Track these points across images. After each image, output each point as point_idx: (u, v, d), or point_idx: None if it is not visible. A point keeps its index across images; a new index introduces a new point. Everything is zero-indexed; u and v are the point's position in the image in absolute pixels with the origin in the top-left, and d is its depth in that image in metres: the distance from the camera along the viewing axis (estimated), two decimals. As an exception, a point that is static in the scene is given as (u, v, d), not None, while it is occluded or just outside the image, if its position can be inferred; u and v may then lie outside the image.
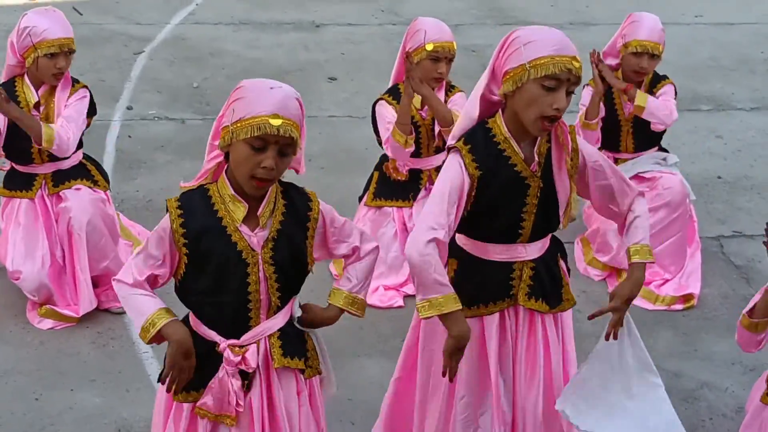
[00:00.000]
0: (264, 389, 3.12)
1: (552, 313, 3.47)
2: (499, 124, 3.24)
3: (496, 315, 3.45)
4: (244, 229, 2.98)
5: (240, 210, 2.96)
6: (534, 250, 3.36)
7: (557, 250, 3.47)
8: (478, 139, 3.24)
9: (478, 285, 3.33)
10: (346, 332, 4.21)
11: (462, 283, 3.30)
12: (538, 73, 3.05)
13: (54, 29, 4.55)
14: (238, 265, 2.98)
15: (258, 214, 2.97)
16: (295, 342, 3.16)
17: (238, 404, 3.03)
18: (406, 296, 5.12)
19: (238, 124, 2.85)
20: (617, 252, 5.24)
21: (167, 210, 3.03)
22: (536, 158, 3.22)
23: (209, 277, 2.97)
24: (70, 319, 4.74)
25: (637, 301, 4.64)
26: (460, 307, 3.14)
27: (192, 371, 3.04)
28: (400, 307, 5.14)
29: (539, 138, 3.23)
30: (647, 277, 4.66)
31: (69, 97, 4.79)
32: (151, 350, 4.72)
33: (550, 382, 3.57)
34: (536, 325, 3.46)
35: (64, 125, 4.68)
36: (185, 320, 3.10)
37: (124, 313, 4.81)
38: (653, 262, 4.04)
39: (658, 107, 5.17)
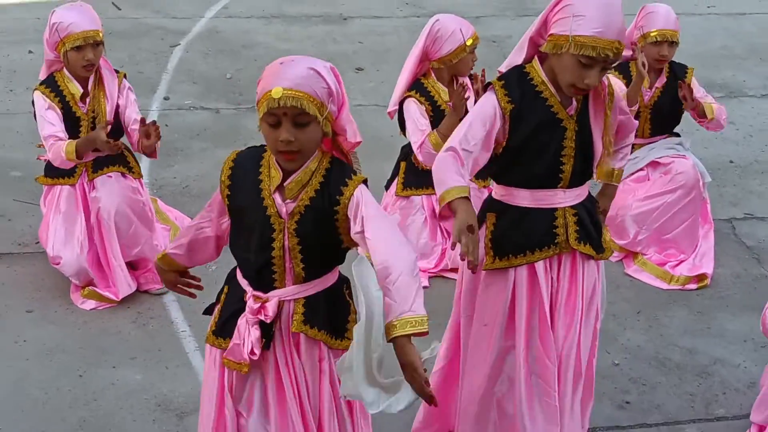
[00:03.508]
0: (287, 351, 3.14)
1: (597, 259, 3.55)
2: (537, 69, 3.32)
3: (542, 263, 3.52)
4: (278, 196, 2.97)
5: (277, 177, 2.98)
6: (572, 196, 3.41)
7: (595, 201, 3.58)
8: (513, 77, 3.33)
9: (523, 234, 3.41)
10: None
11: (505, 234, 3.41)
12: (577, 49, 3.12)
13: (79, 22, 4.58)
14: (265, 228, 2.98)
15: (284, 185, 2.96)
16: (322, 313, 3.11)
17: (252, 352, 3.04)
18: (431, 277, 5.17)
19: (258, 104, 2.89)
20: (633, 238, 5.36)
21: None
22: (574, 103, 3.32)
23: (242, 233, 3.03)
24: (111, 300, 4.73)
25: (653, 281, 5.19)
26: (467, 195, 3.21)
27: None
28: (425, 287, 4.89)
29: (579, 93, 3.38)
30: (662, 257, 5.27)
31: (119, 86, 4.92)
32: (188, 329, 4.73)
33: (581, 328, 3.67)
34: (578, 272, 3.54)
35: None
36: (234, 270, 3.15)
37: (163, 294, 4.92)
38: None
39: (721, 113, 5.33)
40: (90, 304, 4.76)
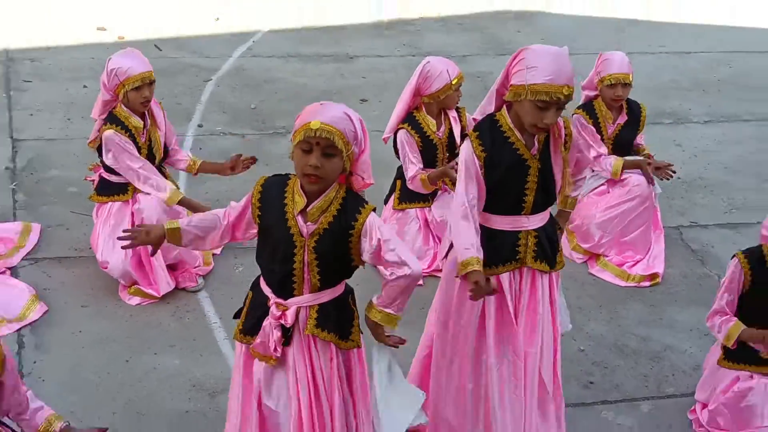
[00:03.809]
0: (304, 349, 3.13)
1: (550, 273, 3.52)
2: (505, 117, 3.27)
3: (506, 275, 3.48)
4: (300, 219, 2.98)
5: (300, 202, 2.98)
6: (535, 220, 3.39)
7: (555, 221, 3.55)
8: (485, 127, 3.31)
9: (492, 250, 3.35)
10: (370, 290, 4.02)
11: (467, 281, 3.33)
12: (533, 96, 3.11)
13: (135, 66, 4.56)
14: (288, 244, 2.99)
15: (307, 210, 2.96)
16: (332, 318, 3.10)
17: (276, 349, 3.07)
18: (425, 276, 5.01)
19: (294, 134, 2.91)
20: (597, 242, 5.33)
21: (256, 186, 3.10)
22: (536, 144, 3.28)
23: (268, 247, 3.02)
24: (153, 297, 4.78)
25: (613, 279, 5.22)
26: (478, 268, 3.22)
27: None
28: (419, 285, 5.20)
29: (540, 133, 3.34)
30: (621, 259, 5.29)
31: (163, 116, 4.90)
32: (219, 321, 4.75)
33: (542, 339, 3.64)
34: (537, 283, 3.51)
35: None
36: (258, 279, 3.18)
37: (198, 291, 4.99)
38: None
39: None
40: (135, 300, 4.76)
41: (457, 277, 3.34)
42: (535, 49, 3.15)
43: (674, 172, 5.11)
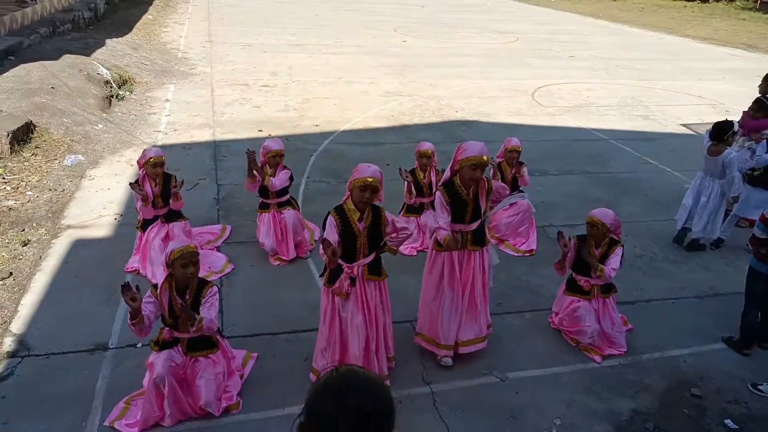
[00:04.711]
0: (363, 287, 3.23)
1: (481, 249, 3.59)
2: (456, 179, 3.41)
3: (456, 252, 3.53)
4: (357, 222, 3.05)
5: (355, 214, 3.08)
6: (473, 225, 3.52)
7: (483, 225, 3.67)
8: (449, 185, 3.42)
9: (453, 241, 3.41)
10: (392, 260, 4.10)
11: (444, 241, 3.46)
12: (467, 163, 3.28)
13: (274, 146, 5.02)
14: (353, 234, 3.08)
15: (358, 218, 3.07)
16: (375, 268, 3.24)
17: (349, 288, 3.10)
18: (419, 251, 5.41)
19: (354, 181, 3.06)
20: (503, 232, 5.59)
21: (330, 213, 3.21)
22: (470, 193, 3.42)
23: (344, 239, 3.09)
24: (285, 260, 4.92)
25: (511, 253, 5.38)
26: (451, 236, 3.32)
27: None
28: (412, 255, 5.43)
29: (473, 185, 3.45)
30: (515, 242, 5.39)
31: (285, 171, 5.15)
32: (317, 273, 4.88)
33: (476, 284, 3.70)
34: (472, 257, 3.59)
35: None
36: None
37: (307, 258, 5.13)
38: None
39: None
40: (276, 262, 4.96)
41: (434, 250, 3.49)
42: (467, 142, 3.41)
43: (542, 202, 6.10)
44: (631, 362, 4.06)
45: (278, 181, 4.87)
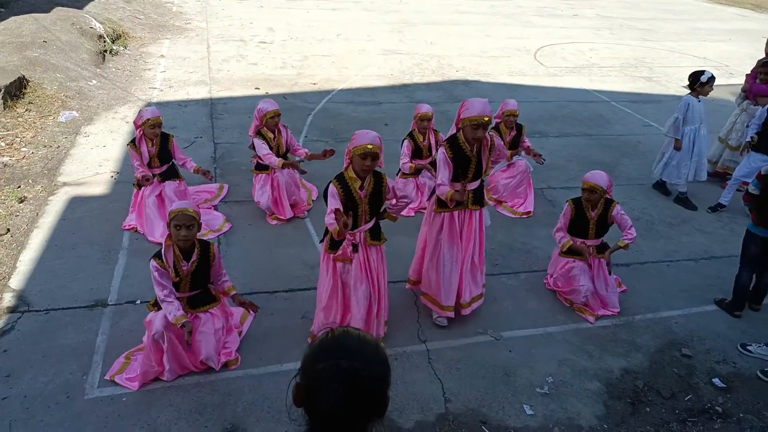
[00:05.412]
0: (366, 253, 3.30)
1: (480, 209, 3.68)
2: (460, 135, 3.46)
3: (456, 213, 3.59)
4: (358, 190, 3.11)
5: (357, 182, 3.15)
6: (474, 184, 3.59)
7: (483, 184, 3.75)
8: (452, 140, 3.45)
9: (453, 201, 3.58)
10: (390, 223, 4.00)
11: (442, 200, 3.51)
12: (469, 122, 3.32)
13: (270, 107, 4.98)
14: (355, 202, 3.15)
15: (360, 186, 3.12)
16: (376, 233, 3.32)
17: (351, 255, 3.22)
18: (416, 211, 5.48)
19: (355, 149, 3.10)
20: (501, 193, 5.58)
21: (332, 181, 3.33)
22: (473, 149, 3.47)
23: (347, 206, 3.14)
24: (282, 219, 4.99)
25: (509, 214, 5.42)
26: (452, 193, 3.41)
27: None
28: (410, 215, 5.49)
29: (476, 143, 3.48)
30: (513, 203, 5.41)
31: (287, 131, 5.20)
32: (315, 233, 4.98)
33: (475, 244, 3.81)
34: (473, 216, 3.68)
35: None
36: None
37: (304, 218, 5.13)
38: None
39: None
40: (274, 222, 5.01)
41: (435, 211, 3.51)
42: (470, 99, 3.42)
43: (544, 159, 5.54)
44: (624, 323, 4.15)
45: (291, 139, 5.01)
